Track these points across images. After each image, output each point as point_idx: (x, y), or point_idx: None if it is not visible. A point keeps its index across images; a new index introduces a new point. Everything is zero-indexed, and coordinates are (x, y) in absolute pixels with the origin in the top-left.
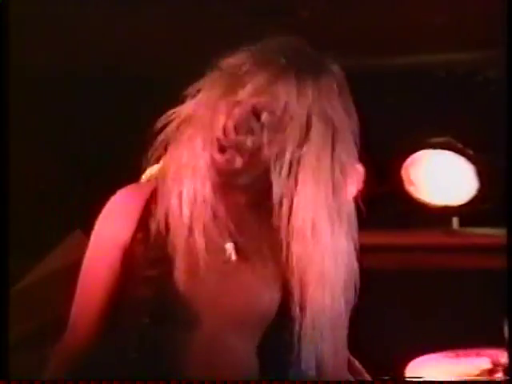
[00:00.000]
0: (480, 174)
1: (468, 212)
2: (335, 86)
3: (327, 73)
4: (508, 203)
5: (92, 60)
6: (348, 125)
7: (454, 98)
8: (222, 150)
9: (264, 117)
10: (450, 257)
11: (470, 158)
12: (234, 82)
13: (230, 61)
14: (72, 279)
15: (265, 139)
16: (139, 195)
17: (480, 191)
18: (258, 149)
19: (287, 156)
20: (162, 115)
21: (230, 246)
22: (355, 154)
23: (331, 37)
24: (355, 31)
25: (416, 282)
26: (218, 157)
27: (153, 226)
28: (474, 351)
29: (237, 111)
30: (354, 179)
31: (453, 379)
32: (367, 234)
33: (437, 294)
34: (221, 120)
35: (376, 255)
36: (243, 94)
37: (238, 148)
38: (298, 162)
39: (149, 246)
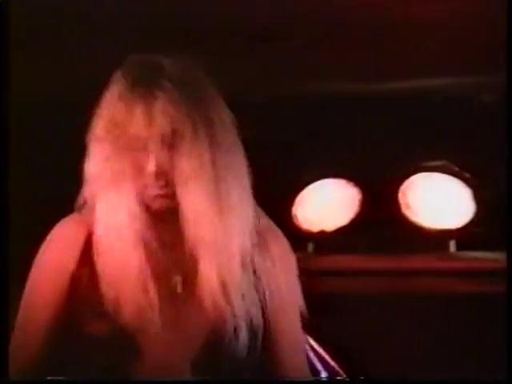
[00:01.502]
0: (477, 198)
1: (465, 235)
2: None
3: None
4: (508, 228)
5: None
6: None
7: (451, 122)
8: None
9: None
10: (447, 281)
11: (466, 182)
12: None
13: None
14: None
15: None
16: (82, 227)
17: (477, 214)
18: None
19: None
20: None
21: (177, 279)
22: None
23: (327, 63)
24: (352, 57)
25: (413, 306)
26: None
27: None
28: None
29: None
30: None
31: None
32: (365, 258)
33: (434, 319)
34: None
35: (373, 279)
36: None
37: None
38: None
39: (96, 281)
